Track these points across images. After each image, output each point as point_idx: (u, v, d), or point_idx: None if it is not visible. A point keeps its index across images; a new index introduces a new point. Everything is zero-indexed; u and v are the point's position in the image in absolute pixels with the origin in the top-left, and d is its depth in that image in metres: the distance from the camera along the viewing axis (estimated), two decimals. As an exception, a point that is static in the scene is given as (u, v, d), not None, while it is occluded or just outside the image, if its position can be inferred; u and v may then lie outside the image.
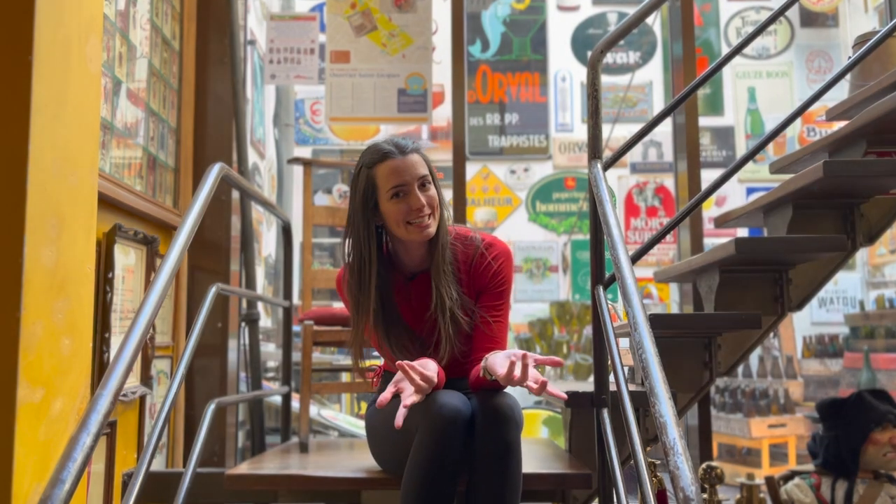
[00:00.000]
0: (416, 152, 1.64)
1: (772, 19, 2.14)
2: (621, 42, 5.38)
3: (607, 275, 1.85)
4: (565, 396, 1.47)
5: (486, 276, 1.67)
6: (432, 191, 1.63)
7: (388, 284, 1.68)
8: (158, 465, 2.50)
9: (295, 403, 3.18)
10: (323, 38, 3.24)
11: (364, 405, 4.98)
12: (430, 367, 1.52)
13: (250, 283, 2.87)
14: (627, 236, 5.87)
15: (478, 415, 1.51)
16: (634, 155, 5.95)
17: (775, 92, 6.05)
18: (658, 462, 1.73)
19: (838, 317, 5.61)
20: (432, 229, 1.62)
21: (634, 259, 1.75)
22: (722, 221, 2.46)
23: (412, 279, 1.70)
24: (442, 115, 5.04)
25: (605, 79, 5.97)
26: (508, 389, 1.59)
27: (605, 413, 1.78)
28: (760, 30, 2.13)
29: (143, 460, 1.48)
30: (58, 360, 1.29)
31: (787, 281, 2.09)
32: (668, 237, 4.65)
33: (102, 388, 1.16)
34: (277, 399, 3.54)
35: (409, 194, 1.60)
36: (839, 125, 2.15)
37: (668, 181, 5.89)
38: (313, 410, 4.03)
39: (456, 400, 1.51)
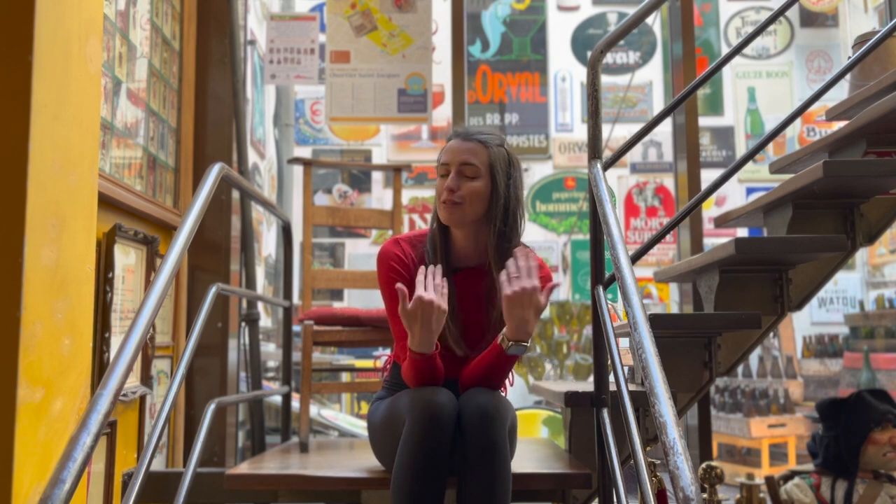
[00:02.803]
0: (480, 143, 1.66)
1: (772, 19, 2.14)
2: (621, 42, 5.38)
3: (607, 275, 1.85)
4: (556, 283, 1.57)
5: None
6: (475, 183, 1.64)
7: (445, 266, 1.69)
8: (158, 465, 2.50)
9: (295, 403, 3.18)
10: (323, 38, 3.24)
11: (364, 405, 4.98)
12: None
13: (250, 283, 2.87)
14: (627, 236, 5.87)
15: (463, 413, 1.52)
16: (634, 155, 5.95)
17: (775, 92, 6.05)
18: (658, 462, 1.73)
19: (838, 317, 5.61)
20: (456, 216, 1.64)
21: (634, 259, 1.75)
22: (722, 221, 2.46)
23: (455, 273, 1.71)
24: (442, 115, 5.05)
25: (605, 79, 5.97)
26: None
27: (605, 413, 1.78)
28: (760, 30, 2.13)
29: (143, 460, 1.48)
30: (58, 360, 1.29)
31: (787, 281, 2.09)
32: (668, 237, 4.64)
33: (102, 388, 1.16)
34: (277, 399, 3.54)
35: (448, 174, 1.65)
36: (839, 125, 2.15)
37: (668, 181, 5.89)
38: (313, 410, 4.03)
39: (441, 396, 1.52)
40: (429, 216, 1.79)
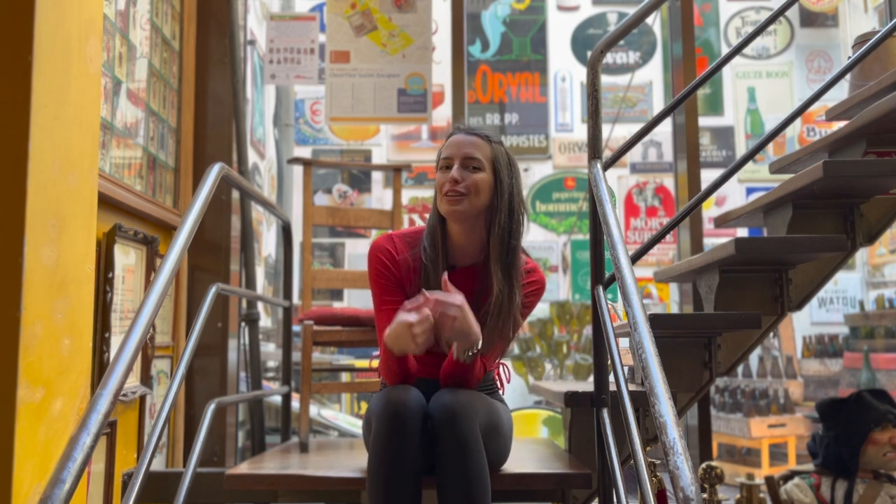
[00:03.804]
0: (483, 138, 1.68)
1: (772, 19, 2.14)
2: (621, 42, 5.38)
3: (607, 275, 1.85)
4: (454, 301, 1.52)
5: None
6: (478, 176, 1.65)
7: (442, 264, 1.70)
8: (158, 465, 2.50)
9: (295, 403, 3.18)
10: (323, 38, 3.24)
11: (364, 405, 4.98)
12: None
13: (250, 283, 2.87)
14: (627, 236, 5.87)
15: (432, 413, 1.53)
16: (634, 155, 5.95)
17: (775, 92, 6.05)
18: (658, 462, 1.73)
19: (838, 317, 5.61)
20: (461, 208, 1.63)
21: (634, 259, 1.75)
22: (722, 221, 2.46)
23: (451, 270, 1.71)
24: (442, 115, 5.05)
25: (605, 79, 5.97)
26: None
27: (605, 413, 1.78)
28: (760, 30, 2.13)
29: (143, 460, 1.48)
30: (58, 360, 1.29)
31: (787, 281, 2.09)
32: (668, 237, 4.64)
33: (102, 388, 1.16)
34: (277, 399, 3.54)
35: (450, 168, 1.66)
36: (839, 125, 2.15)
37: (668, 181, 5.89)
38: (313, 410, 4.03)
39: (405, 394, 1.53)
40: (429, 216, 1.77)
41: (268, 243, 5.15)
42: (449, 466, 1.48)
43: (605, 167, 1.87)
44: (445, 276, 1.58)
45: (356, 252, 5.84)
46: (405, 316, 1.50)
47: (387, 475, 1.47)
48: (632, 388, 1.83)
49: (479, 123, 6.00)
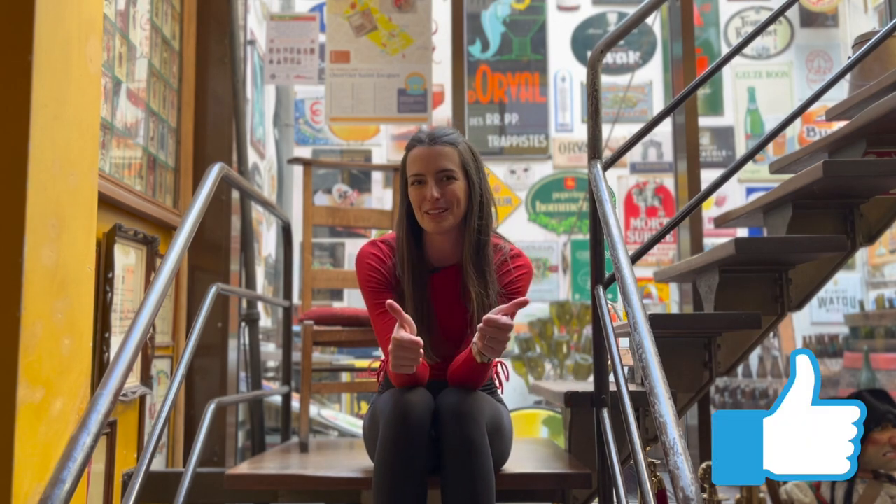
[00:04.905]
0: (449, 144, 1.65)
1: (771, 19, 2.14)
2: (621, 42, 5.38)
3: (607, 275, 1.85)
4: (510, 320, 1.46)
5: (503, 283, 1.68)
6: (454, 185, 1.63)
7: (420, 270, 1.69)
8: (158, 465, 2.50)
9: (295, 403, 3.18)
10: (323, 38, 3.24)
11: (364, 405, 4.98)
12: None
13: (250, 283, 2.87)
14: (627, 236, 5.86)
15: (438, 413, 1.53)
16: (634, 155, 5.95)
17: (775, 92, 6.04)
18: (658, 462, 1.73)
19: (838, 317, 5.60)
20: (447, 223, 1.63)
21: (634, 259, 1.75)
22: (722, 221, 2.46)
23: (434, 272, 1.71)
24: (442, 115, 5.04)
25: (605, 79, 5.97)
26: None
27: (605, 413, 1.78)
28: (760, 30, 2.13)
29: (143, 460, 1.48)
30: (58, 360, 1.29)
31: (786, 281, 2.09)
32: (668, 237, 4.64)
33: (102, 388, 1.16)
34: (277, 399, 3.54)
35: (424, 184, 1.63)
36: (839, 125, 2.15)
37: (668, 181, 5.88)
38: (313, 410, 4.03)
39: (414, 395, 1.52)
40: (397, 228, 1.76)
41: (268, 243, 5.15)
42: (455, 466, 1.48)
43: (605, 167, 1.87)
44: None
45: (356, 252, 5.82)
46: (412, 338, 1.46)
47: (395, 476, 1.47)
48: (632, 388, 1.83)
49: (479, 124, 6.00)
